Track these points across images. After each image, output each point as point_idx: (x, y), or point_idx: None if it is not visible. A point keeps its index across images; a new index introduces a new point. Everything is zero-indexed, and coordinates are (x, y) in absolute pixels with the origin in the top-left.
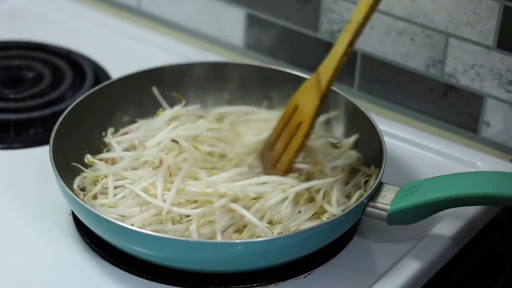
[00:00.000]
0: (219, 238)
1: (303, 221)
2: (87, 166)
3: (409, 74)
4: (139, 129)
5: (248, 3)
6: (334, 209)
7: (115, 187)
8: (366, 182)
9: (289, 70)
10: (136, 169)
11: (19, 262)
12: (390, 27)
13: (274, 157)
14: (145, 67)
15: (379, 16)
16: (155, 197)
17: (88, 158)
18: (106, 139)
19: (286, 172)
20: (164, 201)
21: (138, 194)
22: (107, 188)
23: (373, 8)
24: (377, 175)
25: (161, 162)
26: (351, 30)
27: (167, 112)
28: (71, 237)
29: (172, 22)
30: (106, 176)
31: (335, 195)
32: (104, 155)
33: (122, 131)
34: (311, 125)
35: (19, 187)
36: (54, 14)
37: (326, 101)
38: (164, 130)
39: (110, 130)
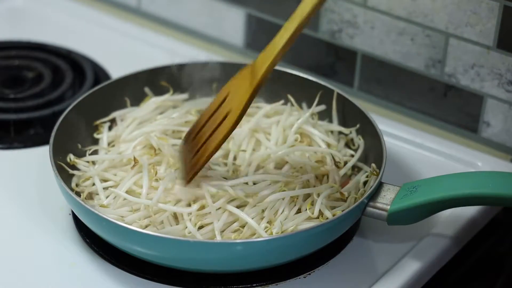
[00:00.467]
0: (218, 238)
1: (301, 221)
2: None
3: (409, 74)
4: (125, 119)
5: (248, 3)
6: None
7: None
8: (365, 183)
9: (289, 70)
10: (117, 167)
11: (19, 262)
12: (390, 27)
13: (197, 145)
14: (145, 67)
15: (379, 16)
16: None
17: (71, 158)
18: (95, 135)
19: (205, 162)
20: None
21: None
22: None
23: (319, 6)
24: (377, 176)
25: (135, 160)
26: (292, 27)
27: (153, 100)
28: (71, 237)
29: (172, 22)
30: (89, 178)
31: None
32: (87, 158)
33: (109, 116)
34: (239, 116)
35: (19, 187)
36: (54, 14)
37: (257, 94)
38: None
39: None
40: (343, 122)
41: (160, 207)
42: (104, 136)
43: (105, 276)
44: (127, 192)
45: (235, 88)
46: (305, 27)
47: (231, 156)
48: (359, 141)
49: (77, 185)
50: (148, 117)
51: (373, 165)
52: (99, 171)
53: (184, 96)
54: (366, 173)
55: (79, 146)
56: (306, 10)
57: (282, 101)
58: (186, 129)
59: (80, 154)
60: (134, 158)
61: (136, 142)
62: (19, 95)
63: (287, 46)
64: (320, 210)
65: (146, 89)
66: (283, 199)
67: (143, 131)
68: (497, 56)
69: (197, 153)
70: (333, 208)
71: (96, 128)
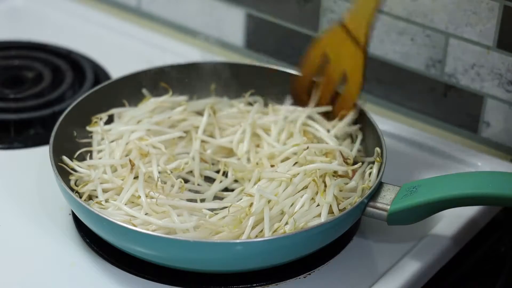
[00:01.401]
0: (267, 234)
1: (311, 218)
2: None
3: (409, 74)
4: (123, 117)
5: (248, 3)
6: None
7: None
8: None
9: (289, 70)
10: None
11: (19, 262)
12: (390, 27)
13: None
14: (145, 67)
15: (379, 16)
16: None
17: (67, 162)
18: (90, 128)
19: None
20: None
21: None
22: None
23: None
24: (380, 162)
25: (132, 164)
26: None
27: (152, 101)
28: (71, 237)
29: (172, 22)
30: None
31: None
32: (87, 162)
33: (108, 112)
34: (362, 83)
35: (19, 187)
36: (54, 14)
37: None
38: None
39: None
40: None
41: (175, 204)
42: (98, 130)
43: (105, 276)
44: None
45: (337, 50)
46: None
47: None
48: (358, 134)
49: (76, 185)
50: (145, 117)
51: (377, 149)
52: (99, 174)
53: (183, 97)
54: (370, 165)
55: (79, 146)
56: None
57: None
58: (170, 131)
59: (80, 154)
60: (130, 161)
61: (122, 147)
62: (19, 95)
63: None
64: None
65: (144, 91)
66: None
67: (127, 129)
68: (497, 56)
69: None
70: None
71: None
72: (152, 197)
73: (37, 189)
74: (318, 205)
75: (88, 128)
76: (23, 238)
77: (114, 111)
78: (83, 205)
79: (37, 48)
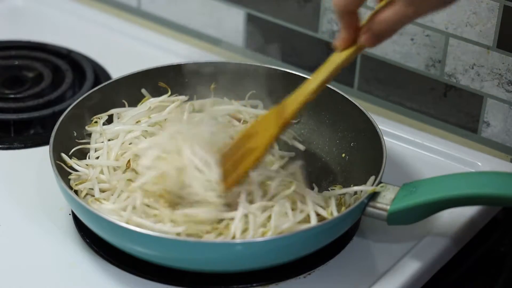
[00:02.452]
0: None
1: (294, 224)
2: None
3: (409, 74)
4: (122, 117)
5: (248, 3)
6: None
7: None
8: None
9: (289, 70)
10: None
11: (19, 262)
12: None
13: (224, 172)
14: (145, 67)
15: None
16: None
17: (65, 159)
18: (89, 128)
19: (230, 187)
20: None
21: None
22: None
23: (353, 56)
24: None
25: (127, 166)
26: (325, 73)
27: (151, 101)
28: (71, 237)
29: (172, 22)
30: (84, 181)
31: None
32: (85, 161)
33: (108, 112)
34: (263, 154)
35: (19, 187)
36: (54, 14)
37: (283, 133)
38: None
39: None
40: (343, 122)
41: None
42: (96, 129)
43: (105, 276)
44: None
45: (262, 127)
46: (336, 73)
47: None
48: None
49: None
50: (144, 117)
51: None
52: (96, 174)
53: (182, 97)
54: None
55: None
56: (341, 58)
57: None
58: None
59: (81, 154)
60: (128, 162)
61: (117, 147)
62: (19, 95)
63: (316, 91)
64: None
65: (143, 91)
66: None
67: (123, 128)
68: (497, 56)
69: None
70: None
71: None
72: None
73: (37, 189)
74: (301, 211)
75: (87, 128)
76: (23, 238)
77: (113, 111)
78: (83, 205)
79: (37, 48)
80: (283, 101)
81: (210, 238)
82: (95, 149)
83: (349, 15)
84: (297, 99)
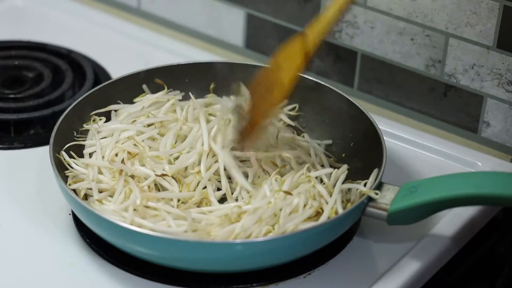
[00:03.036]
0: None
1: (300, 221)
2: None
3: (409, 74)
4: (119, 115)
5: (248, 3)
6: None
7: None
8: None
9: None
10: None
11: (19, 262)
12: (390, 27)
13: (251, 116)
14: (145, 67)
15: (379, 16)
16: None
17: (64, 157)
18: (86, 125)
19: (254, 129)
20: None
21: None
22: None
23: None
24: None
25: (120, 172)
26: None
27: (147, 97)
28: (71, 237)
29: (172, 22)
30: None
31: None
32: (83, 160)
33: (106, 108)
34: (288, 86)
35: (19, 187)
36: (54, 14)
37: (308, 64)
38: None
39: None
40: (343, 122)
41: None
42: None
43: (105, 276)
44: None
45: (286, 59)
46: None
47: None
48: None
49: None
50: (142, 113)
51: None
52: (94, 174)
53: (177, 92)
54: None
55: (79, 146)
56: None
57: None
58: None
59: (81, 154)
60: (120, 171)
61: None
62: (19, 95)
63: (336, 16)
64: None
65: (144, 86)
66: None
67: (118, 127)
68: (497, 56)
69: (252, 121)
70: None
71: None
72: (146, 206)
73: (37, 189)
74: (311, 207)
75: (85, 126)
76: (23, 238)
77: (111, 107)
78: (83, 205)
79: (37, 48)
80: (302, 35)
81: (217, 231)
82: (89, 146)
83: None
84: (319, 27)
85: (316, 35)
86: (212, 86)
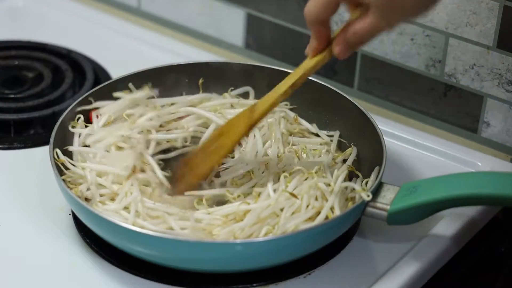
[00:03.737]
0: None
1: (300, 222)
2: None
3: (409, 74)
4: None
5: (248, 3)
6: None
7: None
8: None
9: (289, 70)
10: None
11: (19, 262)
12: None
13: (192, 165)
14: (145, 67)
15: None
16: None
17: (58, 155)
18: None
19: (200, 179)
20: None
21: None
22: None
23: (323, 62)
24: (377, 175)
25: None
26: (296, 75)
27: (127, 98)
28: (71, 237)
29: (172, 22)
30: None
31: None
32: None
33: (95, 112)
34: (230, 150)
35: (19, 187)
36: (54, 14)
37: (250, 133)
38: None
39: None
40: (343, 122)
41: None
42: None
43: (105, 276)
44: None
45: (233, 126)
46: (307, 77)
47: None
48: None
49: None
50: (121, 113)
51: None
52: (93, 178)
53: (155, 91)
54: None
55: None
56: (311, 64)
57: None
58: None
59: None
60: (133, 168)
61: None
62: (19, 95)
63: (287, 93)
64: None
65: (130, 85)
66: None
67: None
68: (497, 56)
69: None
70: None
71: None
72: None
73: (37, 189)
74: (313, 207)
75: (71, 129)
76: (23, 238)
77: (97, 104)
78: (83, 205)
79: (37, 48)
80: (252, 106)
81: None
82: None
83: (320, 25)
84: (267, 101)
85: (263, 107)
86: (201, 81)
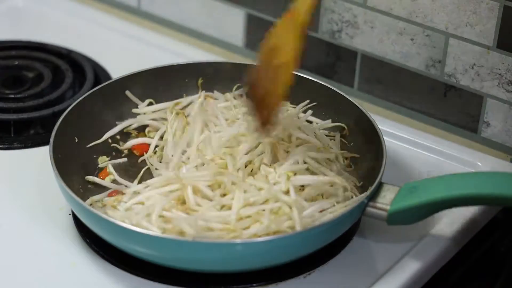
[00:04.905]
0: None
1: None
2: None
3: (409, 74)
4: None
5: (248, 3)
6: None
7: None
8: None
9: None
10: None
11: (19, 262)
12: (390, 27)
13: (263, 100)
14: (145, 67)
15: (379, 16)
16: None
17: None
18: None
19: (273, 114)
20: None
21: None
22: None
23: None
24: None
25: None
26: None
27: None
28: (71, 237)
29: (172, 22)
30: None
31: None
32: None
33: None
34: (295, 67)
35: (19, 187)
36: (54, 14)
37: (304, 36)
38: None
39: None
40: (343, 122)
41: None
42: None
43: (105, 276)
44: None
45: (281, 38)
46: None
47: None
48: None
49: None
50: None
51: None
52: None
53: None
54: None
55: (79, 146)
56: None
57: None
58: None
59: (81, 154)
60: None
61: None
62: (19, 95)
63: None
64: None
65: (127, 93)
66: None
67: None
68: (497, 56)
69: (265, 107)
70: None
71: (99, 131)
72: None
73: (37, 189)
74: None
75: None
76: (23, 238)
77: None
78: (83, 205)
79: (37, 48)
80: (291, 8)
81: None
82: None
83: None
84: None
85: (305, 6)
86: (200, 81)
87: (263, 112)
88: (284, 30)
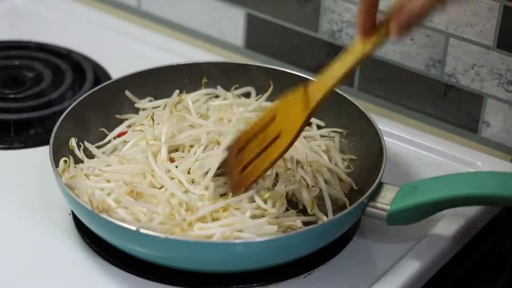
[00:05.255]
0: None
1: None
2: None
3: (409, 74)
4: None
5: (248, 3)
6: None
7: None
8: None
9: (289, 70)
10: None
11: (19, 262)
12: None
13: (242, 162)
14: (145, 67)
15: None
16: None
17: (74, 143)
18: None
19: (254, 181)
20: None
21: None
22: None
23: (380, 44)
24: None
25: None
26: (352, 60)
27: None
28: (71, 237)
29: (172, 22)
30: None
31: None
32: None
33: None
34: (292, 141)
35: (19, 187)
36: (54, 14)
37: (309, 121)
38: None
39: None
40: (343, 122)
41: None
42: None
43: (105, 276)
44: None
45: (286, 111)
46: (357, 65)
47: None
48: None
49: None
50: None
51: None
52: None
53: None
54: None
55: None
56: (368, 47)
57: None
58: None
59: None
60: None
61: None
62: (19, 95)
63: (344, 78)
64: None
65: (127, 92)
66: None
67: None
68: (497, 56)
69: (245, 168)
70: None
71: (99, 131)
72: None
73: (37, 189)
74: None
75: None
76: (23, 238)
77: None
78: (83, 205)
79: (37, 48)
80: (305, 87)
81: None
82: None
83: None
84: (323, 86)
85: (321, 93)
86: (204, 80)
87: (239, 176)
88: (288, 109)
